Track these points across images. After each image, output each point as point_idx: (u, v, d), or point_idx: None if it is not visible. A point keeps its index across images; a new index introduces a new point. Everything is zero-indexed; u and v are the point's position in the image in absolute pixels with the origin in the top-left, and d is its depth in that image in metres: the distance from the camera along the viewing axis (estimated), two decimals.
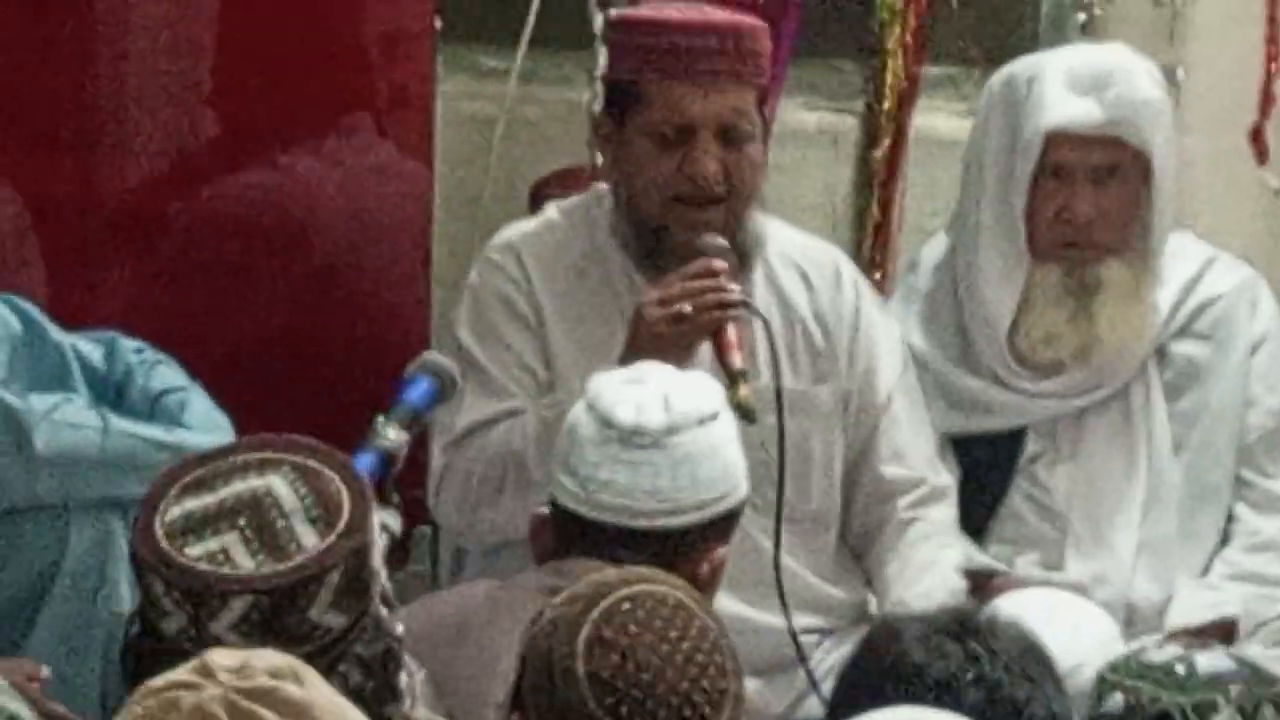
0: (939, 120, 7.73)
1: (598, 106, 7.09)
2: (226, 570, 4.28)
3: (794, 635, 6.17)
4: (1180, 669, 5.62)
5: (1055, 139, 6.85)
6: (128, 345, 6.62)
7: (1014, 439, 7.09)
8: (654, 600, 4.74)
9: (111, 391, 6.57)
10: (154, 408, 6.52)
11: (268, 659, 3.52)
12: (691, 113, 6.63)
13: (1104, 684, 5.76)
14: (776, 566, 6.40)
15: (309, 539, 4.29)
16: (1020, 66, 7.16)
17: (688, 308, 6.41)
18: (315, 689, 3.51)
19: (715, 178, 6.57)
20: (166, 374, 6.58)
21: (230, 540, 4.32)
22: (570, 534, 5.84)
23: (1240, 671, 5.78)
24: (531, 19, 7.81)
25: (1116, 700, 5.68)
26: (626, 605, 4.71)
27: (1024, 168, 6.90)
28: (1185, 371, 7.09)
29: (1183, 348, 7.07)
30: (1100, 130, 6.84)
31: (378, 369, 6.77)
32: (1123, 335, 6.92)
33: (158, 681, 3.51)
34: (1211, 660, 5.73)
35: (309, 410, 6.34)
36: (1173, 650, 5.78)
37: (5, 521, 6.02)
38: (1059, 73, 6.96)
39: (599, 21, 7.33)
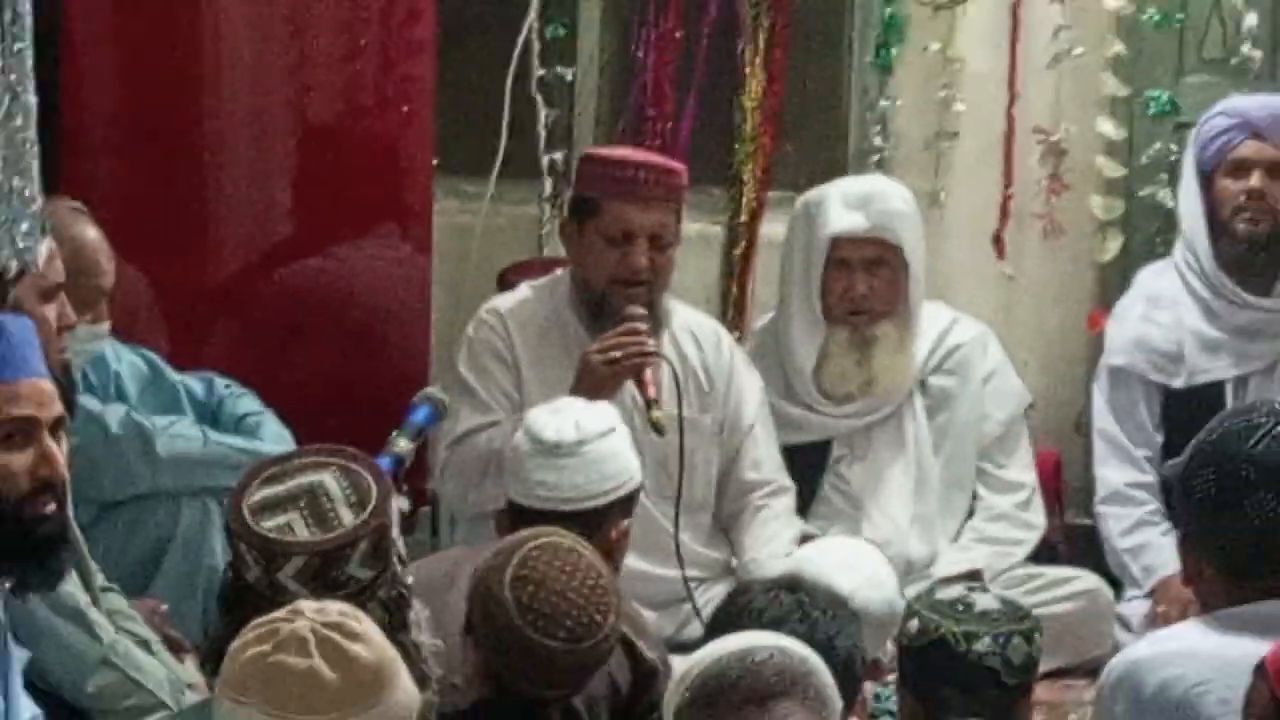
0: (779, 229, 7.83)
1: (558, 217, 7.66)
2: (289, 538, 4.64)
3: (685, 581, 6.70)
4: (960, 605, 5.69)
5: (837, 241, 7.28)
6: (220, 382, 7.01)
7: (823, 447, 7.54)
8: (554, 546, 5.27)
9: (209, 414, 6.91)
10: (238, 425, 6.88)
11: (336, 605, 3.94)
12: (633, 224, 6.99)
13: (908, 611, 5.81)
14: (676, 537, 6.85)
15: (347, 517, 4.67)
16: (812, 193, 7.60)
17: (618, 355, 6.80)
18: (367, 624, 3.91)
19: (644, 271, 6.99)
20: (248, 402, 6.97)
21: (293, 517, 4.70)
22: (519, 519, 6.06)
23: (1004, 609, 5.79)
24: (499, 159, 8.12)
25: (914, 624, 5.68)
26: (535, 551, 5.24)
27: (817, 261, 7.36)
28: (939, 397, 7.59)
29: (937, 380, 7.58)
30: (868, 234, 7.28)
31: (392, 399, 6.86)
32: (893, 375, 7.42)
33: (261, 619, 3.94)
34: (985, 600, 5.78)
35: (345, 428, 6.26)
36: (958, 590, 5.89)
37: (136, 504, 6.29)
38: (837, 196, 7.41)
39: (546, 161, 7.96)
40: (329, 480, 4.77)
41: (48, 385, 5.37)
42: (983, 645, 5.54)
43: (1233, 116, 7.59)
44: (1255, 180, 7.46)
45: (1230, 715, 4.85)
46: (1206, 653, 5.03)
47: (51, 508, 5.24)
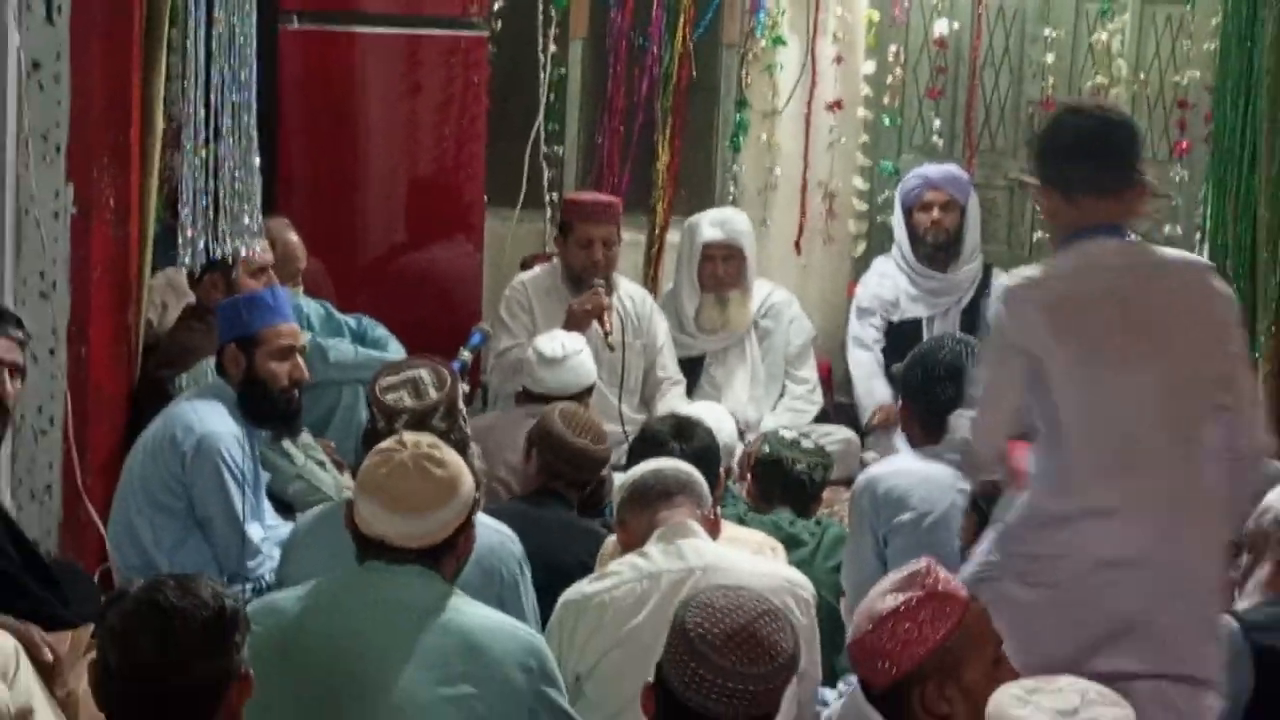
0: (675, 237, 8.06)
1: (553, 231, 7.63)
2: (400, 405, 4.75)
3: (624, 430, 6.65)
4: (791, 442, 6.02)
5: (707, 245, 7.47)
6: (366, 319, 7.08)
7: (700, 359, 7.63)
8: (574, 409, 5.53)
9: (358, 338, 6.97)
10: (374, 344, 6.95)
11: (427, 438, 3.99)
12: (592, 235, 7.18)
13: (762, 442, 6.14)
14: (619, 407, 7.01)
15: (433, 393, 4.78)
16: (693, 218, 7.69)
17: (589, 307, 6.96)
18: (450, 452, 3.95)
19: (600, 261, 7.14)
20: (380, 332, 7.03)
21: (403, 394, 4.80)
22: (529, 399, 6.30)
23: (815, 448, 6.11)
24: (521, 197, 8.29)
25: (765, 449, 6.02)
26: (562, 410, 5.47)
27: (696, 257, 7.52)
28: (763, 331, 7.68)
29: (763, 322, 7.68)
30: (725, 241, 7.45)
31: (458, 330, 7.19)
32: (739, 319, 7.56)
33: (380, 445, 3.99)
34: (805, 441, 6.11)
35: (432, 346, 6.21)
36: (791, 434, 6.15)
37: (320, 388, 6.25)
38: (707, 220, 7.56)
39: (547, 199, 8.16)
40: (424, 373, 4.86)
41: (295, 325, 5.77)
42: (801, 466, 5.92)
43: (920, 177, 7.74)
44: (935, 213, 7.66)
45: (924, 506, 5.06)
46: (913, 471, 5.22)
47: (296, 394, 5.61)
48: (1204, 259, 4.85)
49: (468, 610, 3.83)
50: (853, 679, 4.26)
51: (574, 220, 7.33)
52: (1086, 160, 4.12)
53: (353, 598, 3.80)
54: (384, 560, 3.83)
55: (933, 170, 7.77)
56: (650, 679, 3.42)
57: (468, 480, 3.93)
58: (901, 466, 5.33)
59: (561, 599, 4.38)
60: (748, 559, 4.49)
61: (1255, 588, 4.17)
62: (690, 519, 4.45)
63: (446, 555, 3.89)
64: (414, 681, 3.67)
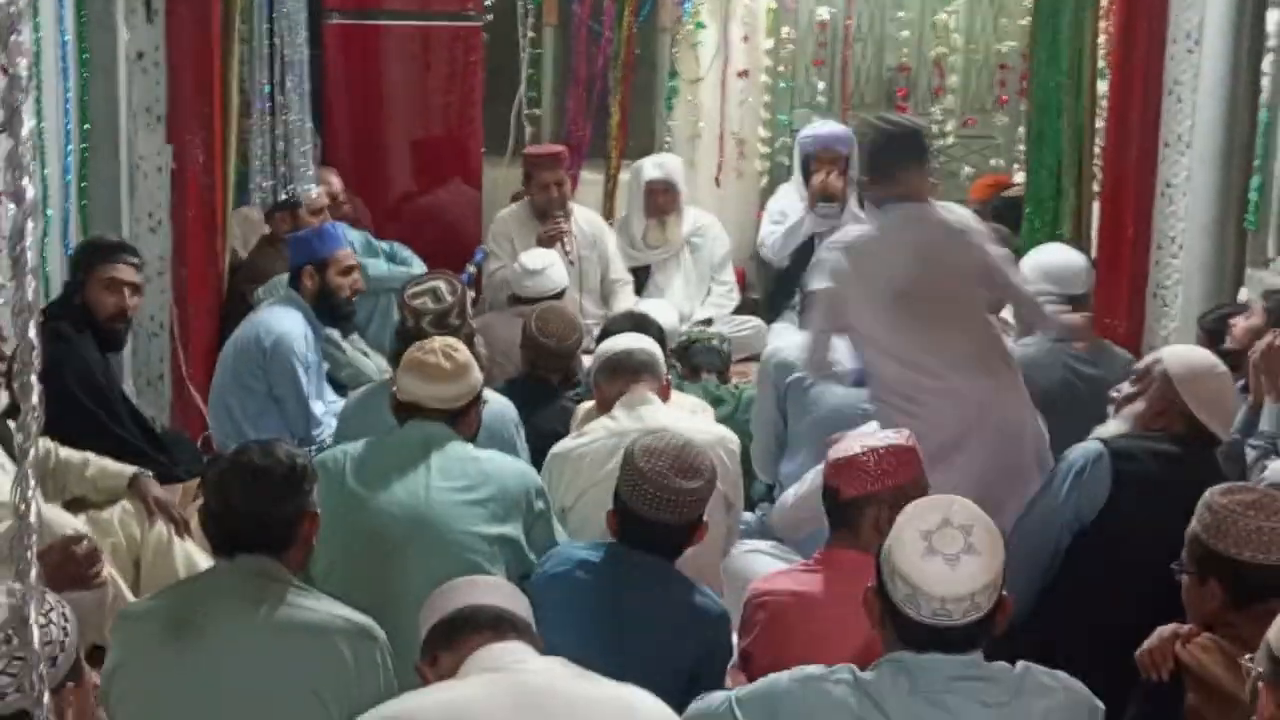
0: (625, 176, 7.85)
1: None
2: (425, 308, 4.75)
3: (587, 325, 6.29)
4: (704, 331, 6.06)
5: (649, 183, 7.31)
6: (396, 245, 7.04)
7: (648, 268, 7.49)
8: (548, 316, 5.23)
9: (389, 258, 6.93)
10: (403, 263, 6.90)
11: (451, 339, 4.01)
12: (546, 179, 7.07)
13: (688, 331, 6.22)
14: (580, 304, 6.84)
15: (448, 298, 4.77)
16: (639, 162, 7.56)
17: (552, 232, 6.91)
18: (464, 350, 3.95)
19: (556, 199, 7.06)
20: (407, 253, 6.97)
21: (427, 299, 4.79)
22: (516, 301, 6.14)
23: (723, 335, 6.16)
24: (510, 149, 8.11)
25: (688, 338, 6.03)
26: (539, 315, 5.21)
27: (640, 191, 7.38)
28: (694, 246, 7.51)
29: (693, 239, 7.52)
30: (664, 179, 7.33)
31: (465, 250, 7.33)
32: (676, 236, 7.44)
33: (418, 343, 4.00)
34: (713, 328, 6.28)
35: (445, 263, 6.39)
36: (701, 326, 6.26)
37: (360, 298, 5.86)
38: (648, 163, 7.43)
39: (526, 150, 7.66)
40: (440, 284, 4.86)
41: (352, 250, 5.75)
42: (714, 343, 5.90)
43: (814, 138, 7.36)
44: (827, 172, 7.19)
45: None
46: (800, 343, 4.91)
47: (354, 302, 5.59)
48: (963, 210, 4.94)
49: (484, 451, 3.89)
50: (788, 496, 4.54)
51: (531, 168, 7.25)
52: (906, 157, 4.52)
53: (394, 448, 3.83)
54: (418, 419, 3.86)
55: (825, 131, 7.45)
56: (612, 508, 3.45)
57: (477, 370, 3.96)
58: (794, 338, 5.29)
59: (550, 453, 4.38)
60: (688, 420, 4.46)
61: (1128, 417, 4.08)
62: (649, 390, 4.40)
63: (462, 420, 3.91)
64: (442, 492, 3.70)
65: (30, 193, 1.54)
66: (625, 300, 7.19)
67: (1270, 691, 2.20)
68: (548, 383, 5.26)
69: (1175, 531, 3.33)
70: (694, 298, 7.63)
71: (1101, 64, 6.97)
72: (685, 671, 3.25)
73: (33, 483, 1.59)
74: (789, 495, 4.62)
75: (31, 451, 1.58)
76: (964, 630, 2.59)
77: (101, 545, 4.07)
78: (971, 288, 4.53)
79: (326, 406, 5.57)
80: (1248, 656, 2.35)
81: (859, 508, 3.44)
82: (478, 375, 3.94)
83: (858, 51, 8.61)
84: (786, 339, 5.54)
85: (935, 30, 8.55)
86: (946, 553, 2.55)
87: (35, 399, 1.58)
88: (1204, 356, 4.04)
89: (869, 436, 3.61)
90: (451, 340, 3.98)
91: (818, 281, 4.54)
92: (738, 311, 7.67)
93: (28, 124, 1.52)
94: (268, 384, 5.46)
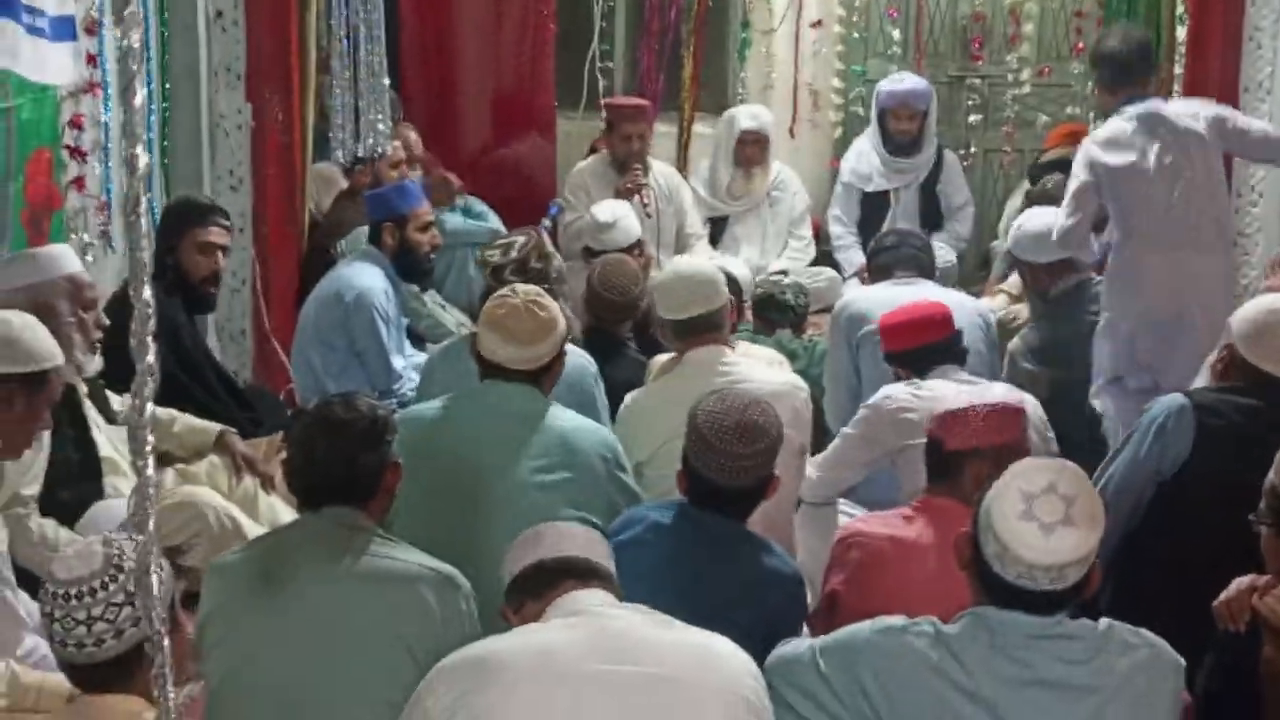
0: (701, 129, 7.91)
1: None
2: (496, 260, 4.75)
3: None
4: (780, 282, 6.17)
5: (743, 133, 7.40)
6: (471, 198, 7.08)
7: (726, 218, 7.52)
8: (611, 269, 5.14)
9: (465, 212, 6.98)
10: (478, 217, 6.98)
11: (533, 288, 3.96)
12: (628, 131, 7.04)
13: (761, 282, 6.23)
14: (659, 260, 6.72)
15: (519, 248, 4.78)
16: (731, 110, 7.64)
17: (630, 185, 6.89)
18: (546, 299, 3.91)
19: (636, 151, 7.05)
20: (482, 206, 7.02)
21: (497, 252, 4.79)
22: (589, 255, 6.01)
23: (797, 285, 6.24)
24: (583, 103, 8.10)
25: (762, 287, 6.12)
26: (601, 269, 5.16)
27: (732, 140, 7.48)
28: (774, 199, 7.52)
29: (774, 193, 7.53)
30: (756, 129, 7.44)
31: (539, 204, 7.29)
32: (760, 187, 7.51)
33: (499, 291, 3.96)
34: (786, 280, 6.21)
35: (524, 216, 6.65)
36: (778, 277, 6.26)
37: (444, 251, 6.03)
38: (742, 113, 7.54)
39: (603, 104, 7.63)
40: (515, 238, 4.86)
41: (429, 206, 5.73)
42: (788, 296, 5.93)
43: (894, 95, 7.43)
44: (904, 124, 7.38)
45: (877, 317, 4.87)
46: (873, 297, 5.19)
47: (433, 258, 5.62)
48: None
49: (561, 416, 3.84)
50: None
51: (615, 120, 7.22)
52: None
53: (475, 407, 3.82)
54: (499, 379, 3.84)
55: (904, 87, 7.48)
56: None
57: (562, 321, 3.92)
58: (864, 293, 5.36)
59: (624, 405, 4.39)
60: (762, 370, 4.45)
61: (1207, 369, 4.10)
62: (721, 345, 4.41)
63: (545, 377, 3.90)
64: (521, 470, 3.67)
65: (144, 160, 1.57)
66: (700, 254, 7.15)
67: None
68: (615, 335, 5.24)
69: (1256, 483, 3.31)
70: (771, 251, 7.62)
71: (1180, 9, 6.93)
72: (759, 632, 3.18)
73: (151, 441, 1.62)
74: (817, 464, 4.56)
75: (148, 409, 1.61)
76: (1048, 595, 2.59)
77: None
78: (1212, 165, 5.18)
79: (407, 360, 5.62)
80: None
81: (961, 461, 3.45)
82: (561, 331, 3.90)
83: (931, 0, 8.52)
84: (859, 291, 5.54)
85: None
86: (1044, 520, 2.54)
87: (151, 358, 1.61)
88: (1264, 309, 3.98)
89: (978, 393, 3.62)
90: (534, 293, 3.92)
91: (1076, 174, 5.17)
92: (813, 264, 7.64)
93: (140, 94, 1.55)
94: (349, 339, 5.49)
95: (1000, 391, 3.70)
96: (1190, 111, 5.21)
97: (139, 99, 1.52)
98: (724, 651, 2.56)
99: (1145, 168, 5.12)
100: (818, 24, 8.46)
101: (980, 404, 3.49)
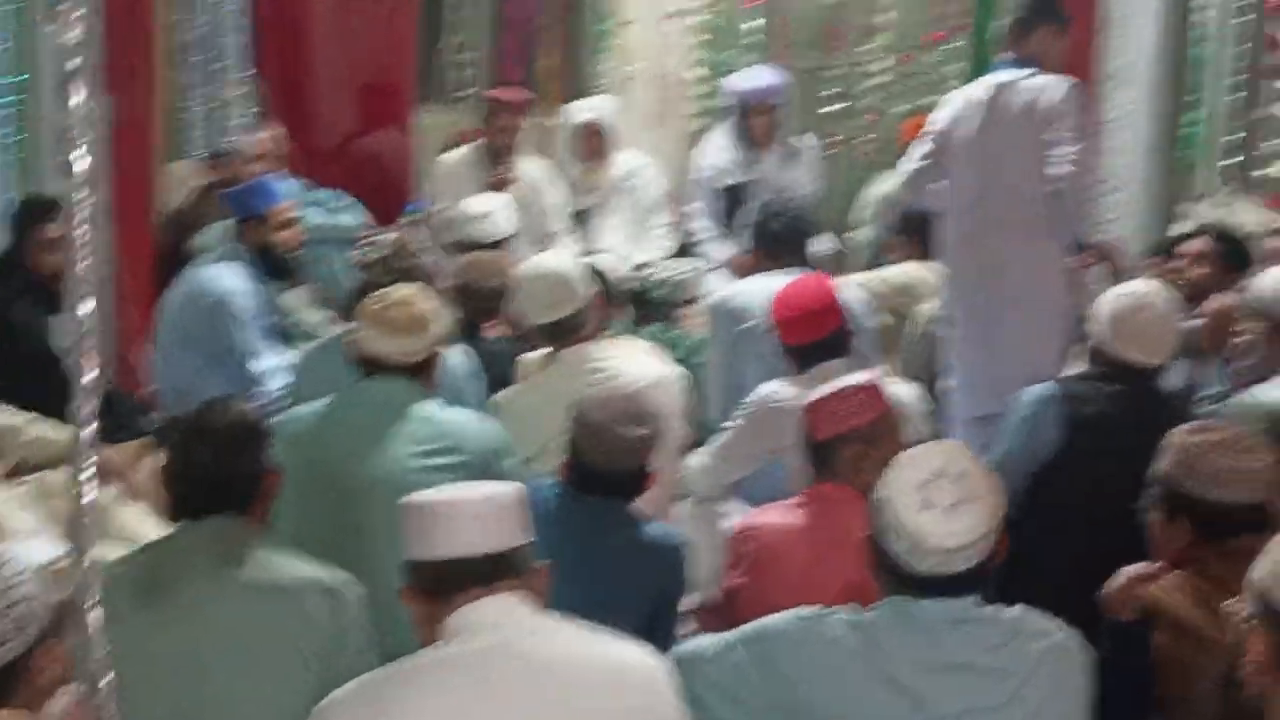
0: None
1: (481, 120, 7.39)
2: (366, 259, 4.73)
3: None
4: (649, 273, 5.94)
5: (580, 127, 7.27)
6: (332, 193, 6.85)
7: (583, 212, 7.37)
8: (486, 254, 5.20)
9: (327, 206, 6.77)
10: (339, 211, 6.78)
11: (412, 287, 3.96)
12: (507, 124, 7.07)
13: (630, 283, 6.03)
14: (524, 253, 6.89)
15: (386, 246, 4.75)
16: (571, 104, 7.55)
17: (505, 175, 6.94)
18: (428, 297, 3.92)
19: (513, 147, 7.06)
20: (345, 200, 6.83)
21: (382, 249, 4.75)
22: (463, 247, 5.86)
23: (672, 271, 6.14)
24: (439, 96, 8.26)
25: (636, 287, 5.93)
26: (479, 255, 5.12)
27: (575, 134, 7.35)
28: (630, 189, 7.46)
29: (629, 182, 7.45)
30: (594, 121, 7.31)
31: (399, 197, 7.30)
32: (610, 180, 7.41)
33: (379, 291, 3.96)
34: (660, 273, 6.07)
35: (380, 209, 6.74)
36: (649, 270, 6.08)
37: (306, 247, 5.76)
38: (577, 107, 7.42)
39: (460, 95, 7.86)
40: (379, 238, 4.93)
41: (291, 202, 5.62)
42: (660, 291, 5.84)
43: (752, 91, 7.32)
44: (764, 117, 7.28)
45: (762, 315, 4.80)
46: (753, 289, 5.04)
47: (297, 254, 5.51)
48: None
49: (447, 410, 3.84)
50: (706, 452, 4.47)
51: (494, 111, 7.20)
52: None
53: (356, 404, 3.80)
54: (380, 375, 3.81)
55: (760, 83, 7.44)
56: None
57: (440, 321, 3.91)
58: (744, 286, 5.26)
59: (496, 402, 4.41)
60: (639, 363, 4.47)
61: (1077, 356, 4.22)
62: (592, 342, 4.48)
63: (426, 372, 3.88)
64: (403, 457, 3.66)
65: (81, 164, 1.49)
66: (566, 249, 6.94)
67: (1259, 632, 2.20)
68: (483, 329, 5.24)
69: (1127, 470, 3.42)
70: (630, 241, 7.57)
71: None
72: (647, 603, 3.31)
73: (90, 467, 1.54)
74: (702, 456, 4.58)
75: (89, 429, 1.52)
76: (964, 576, 2.61)
77: (47, 509, 4.05)
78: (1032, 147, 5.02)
79: (273, 361, 5.48)
80: (1230, 600, 2.35)
81: (833, 448, 3.50)
82: (441, 325, 3.89)
83: None
84: (737, 285, 5.45)
85: None
86: (944, 504, 2.55)
87: (89, 377, 1.54)
88: (1126, 297, 4.06)
89: (838, 380, 3.67)
90: (411, 290, 3.92)
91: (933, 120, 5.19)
92: (675, 255, 7.52)
93: (77, 95, 1.48)
94: (210, 340, 5.38)
95: (857, 373, 3.76)
96: (1046, 91, 5.07)
97: (75, 99, 1.45)
98: (636, 667, 2.49)
99: (974, 139, 5.10)
100: (676, 15, 8.45)
101: (837, 389, 3.57)
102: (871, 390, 3.58)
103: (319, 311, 6.13)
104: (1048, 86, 5.01)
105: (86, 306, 1.50)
